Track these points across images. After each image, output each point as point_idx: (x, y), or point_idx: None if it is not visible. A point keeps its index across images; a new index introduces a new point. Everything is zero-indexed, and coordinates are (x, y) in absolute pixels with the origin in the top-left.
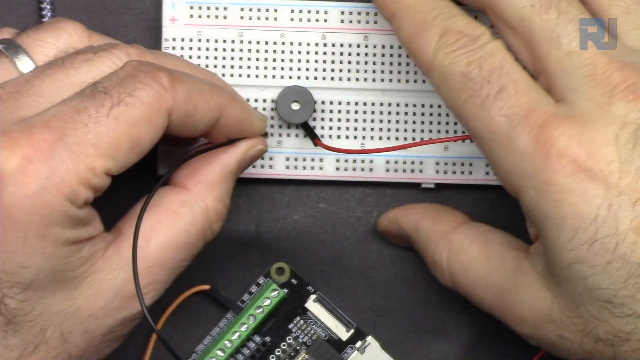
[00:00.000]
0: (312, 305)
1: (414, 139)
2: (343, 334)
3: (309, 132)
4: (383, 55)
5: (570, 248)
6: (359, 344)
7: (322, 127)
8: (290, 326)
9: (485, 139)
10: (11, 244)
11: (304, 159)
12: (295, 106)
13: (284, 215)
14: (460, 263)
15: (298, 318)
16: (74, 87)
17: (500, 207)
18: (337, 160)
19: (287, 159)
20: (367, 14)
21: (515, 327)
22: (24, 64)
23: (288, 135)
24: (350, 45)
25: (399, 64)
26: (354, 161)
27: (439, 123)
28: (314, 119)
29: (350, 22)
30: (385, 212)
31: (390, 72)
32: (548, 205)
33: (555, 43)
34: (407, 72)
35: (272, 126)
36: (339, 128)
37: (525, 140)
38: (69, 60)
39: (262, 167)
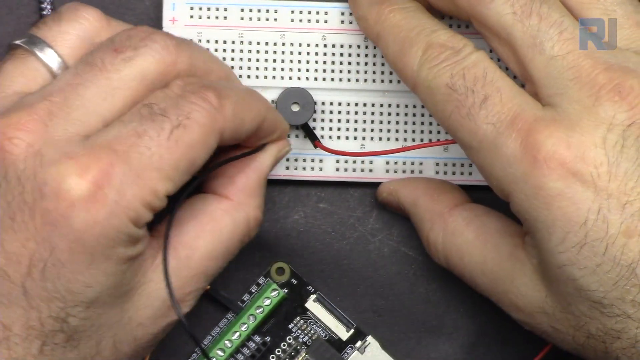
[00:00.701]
0: (312, 305)
1: (413, 140)
2: (343, 334)
3: (309, 134)
4: (383, 56)
5: (561, 251)
6: (359, 343)
7: (322, 128)
8: (290, 326)
9: (474, 148)
10: (78, 266)
11: (304, 160)
12: (295, 108)
13: (284, 215)
14: (455, 246)
15: (298, 318)
16: (118, 92)
17: (499, 207)
18: (337, 161)
19: (287, 160)
20: None
21: (510, 312)
22: (49, 58)
23: (288, 136)
24: (350, 46)
25: None
26: (354, 162)
27: (438, 124)
28: (314, 120)
29: (351, 22)
30: (386, 211)
31: (390, 73)
32: (539, 209)
33: (539, 48)
34: None
35: None
36: (339, 129)
37: (513, 146)
38: (109, 62)
39: None
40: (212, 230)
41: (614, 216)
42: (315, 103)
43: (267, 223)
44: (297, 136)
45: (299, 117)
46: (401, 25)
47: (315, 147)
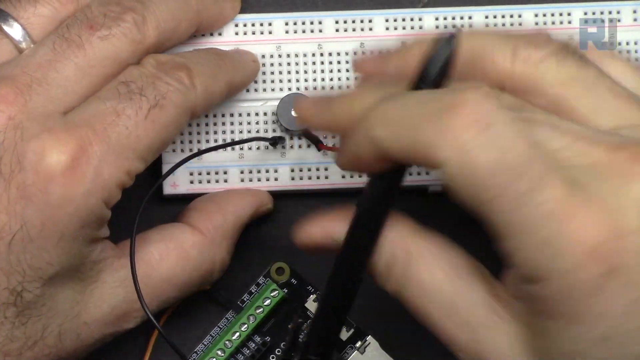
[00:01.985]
0: (312, 305)
1: None
2: (343, 333)
3: (311, 138)
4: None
5: (577, 342)
6: (359, 343)
7: (325, 137)
8: (290, 326)
9: (515, 233)
10: (46, 242)
11: (309, 169)
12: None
13: (284, 215)
14: (418, 282)
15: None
16: (94, 70)
17: None
18: None
19: (292, 170)
20: (362, 21)
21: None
22: (15, 32)
23: (291, 147)
24: (347, 53)
25: None
26: None
27: None
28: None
29: (345, 30)
30: None
31: None
32: (570, 300)
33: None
34: None
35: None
36: None
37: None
38: (85, 38)
39: (267, 180)
40: (178, 257)
41: None
42: None
43: (267, 223)
44: (300, 146)
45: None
46: (395, 112)
47: (319, 149)
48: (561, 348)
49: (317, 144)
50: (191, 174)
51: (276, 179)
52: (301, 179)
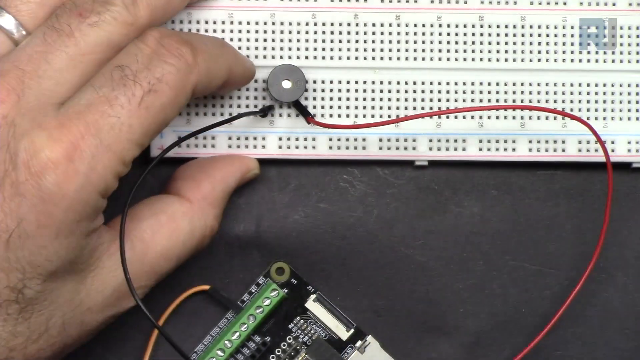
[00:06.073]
0: (312, 305)
1: (406, 115)
2: (343, 333)
3: (302, 111)
4: (374, 33)
5: None
6: (359, 343)
7: (315, 107)
8: (290, 326)
9: None
10: (44, 239)
11: (297, 139)
12: (286, 85)
13: (284, 215)
14: None
15: (298, 318)
16: (86, 58)
17: (493, 184)
18: (330, 139)
19: (280, 139)
20: None
21: None
22: (8, 23)
23: (280, 115)
24: (340, 24)
25: (390, 41)
26: (347, 140)
27: (430, 100)
28: (306, 99)
29: (340, 0)
30: (386, 211)
31: (382, 50)
32: None
33: None
34: (399, 50)
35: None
36: (330, 107)
37: None
38: (75, 27)
39: (255, 147)
40: (170, 230)
41: None
42: (306, 81)
43: (267, 223)
44: (289, 115)
45: (290, 94)
46: None
47: (309, 123)
48: None
49: (307, 117)
50: (179, 137)
51: (264, 147)
52: (289, 147)
